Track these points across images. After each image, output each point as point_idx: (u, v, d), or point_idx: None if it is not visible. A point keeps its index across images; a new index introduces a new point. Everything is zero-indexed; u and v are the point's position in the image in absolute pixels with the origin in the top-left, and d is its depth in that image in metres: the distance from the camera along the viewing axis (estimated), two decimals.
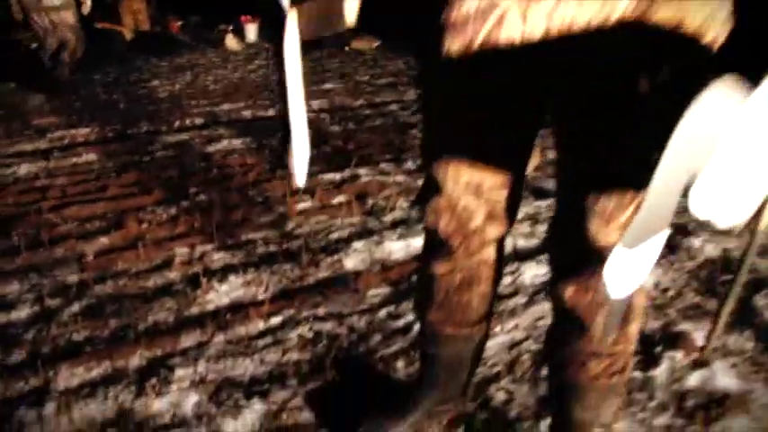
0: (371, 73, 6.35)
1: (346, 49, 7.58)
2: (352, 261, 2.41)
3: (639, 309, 1.20)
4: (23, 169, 3.62)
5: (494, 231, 1.23)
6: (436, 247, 1.29)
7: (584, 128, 0.99)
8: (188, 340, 1.94)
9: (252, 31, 8.11)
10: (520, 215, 2.84)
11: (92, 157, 3.83)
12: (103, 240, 2.63)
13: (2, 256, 2.50)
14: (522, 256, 2.39)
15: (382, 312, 2.07)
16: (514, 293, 2.16)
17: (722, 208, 0.70)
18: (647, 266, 0.88)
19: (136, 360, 1.85)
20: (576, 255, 1.12)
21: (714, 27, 0.89)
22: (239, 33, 7.99)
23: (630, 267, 0.87)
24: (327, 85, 5.89)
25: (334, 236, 2.61)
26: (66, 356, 1.88)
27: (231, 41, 7.76)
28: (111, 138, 4.25)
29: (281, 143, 3.95)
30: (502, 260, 1.35)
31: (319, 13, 1.04)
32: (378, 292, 2.19)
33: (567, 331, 1.23)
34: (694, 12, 0.87)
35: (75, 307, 2.15)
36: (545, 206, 2.82)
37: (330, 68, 6.69)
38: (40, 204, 3.04)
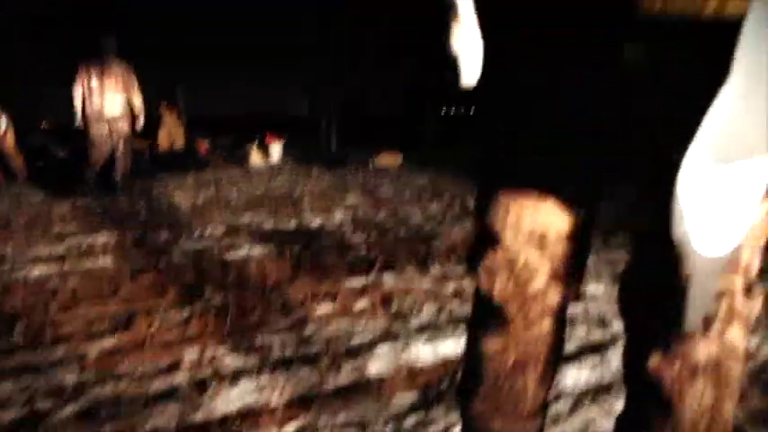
0: (395, 188, 6.33)
1: (370, 166, 7.62)
2: (375, 366, 2.19)
3: (735, 382, 0.97)
4: (36, 271, 3.50)
5: (557, 296, 1.04)
6: (488, 316, 1.09)
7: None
8: None
9: (276, 150, 8.25)
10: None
11: (107, 261, 3.71)
12: (108, 341, 2.45)
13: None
14: (565, 356, 2.16)
15: (410, 420, 1.82)
16: (556, 398, 1.91)
17: None
18: (747, 211, 0.68)
19: None
20: (658, 313, 0.93)
21: None
22: (264, 151, 8.12)
23: (719, 207, 0.67)
24: (350, 200, 5.85)
25: (357, 340, 2.40)
26: None
27: (255, 158, 7.87)
28: (129, 245, 4.15)
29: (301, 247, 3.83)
30: (563, 337, 1.15)
31: None
32: (404, 399, 1.95)
33: (644, 420, 1.01)
34: None
35: (69, 410, 1.93)
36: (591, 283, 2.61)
37: (354, 184, 6.69)
38: (48, 304, 2.89)
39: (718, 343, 0.95)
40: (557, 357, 1.15)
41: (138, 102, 6.47)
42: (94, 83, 6.19)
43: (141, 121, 6.56)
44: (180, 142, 9.04)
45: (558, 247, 0.98)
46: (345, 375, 2.12)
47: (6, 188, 7.16)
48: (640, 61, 0.81)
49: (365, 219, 4.91)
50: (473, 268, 1.08)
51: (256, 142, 8.13)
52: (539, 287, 1.02)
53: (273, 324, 2.59)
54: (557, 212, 0.96)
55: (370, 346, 2.34)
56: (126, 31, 6.95)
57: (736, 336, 0.95)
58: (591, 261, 3.30)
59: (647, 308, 0.97)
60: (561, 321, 1.11)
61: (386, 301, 2.84)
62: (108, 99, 6.24)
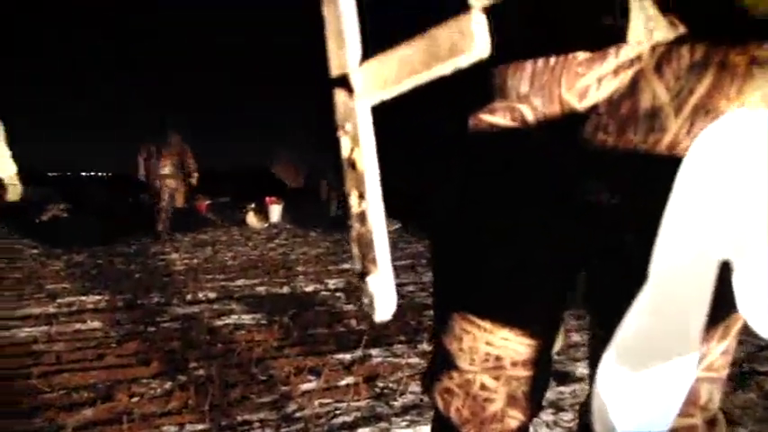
0: (391, 254, 6.34)
1: None
2: None
3: None
4: (23, 333, 3.49)
5: (515, 419, 1.03)
6: None
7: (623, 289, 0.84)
8: None
9: (276, 212, 8.30)
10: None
11: (96, 324, 3.70)
12: (87, 413, 2.42)
13: None
14: None
15: None
16: None
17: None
18: (668, 410, 0.65)
19: None
20: None
21: None
22: (262, 213, 8.17)
23: (633, 398, 0.65)
24: (345, 265, 5.85)
25: (339, 420, 2.37)
26: None
27: (252, 219, 7.92)
28: (120, 306, 4.14)
29: (290, 318, 3.81)
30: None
31: None
32: None
33: None
34: None
35: None
36: (569, 392, 2.58)
37: (349, 249, 6.71)
38: (31, 370, 2.87)
39: (700, 413, 0.92)
40: None
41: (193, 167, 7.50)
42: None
43: (195, 180, 7.53)
44: (181, 200, 9.11)
45: (514, 371, 0.99)
46: None
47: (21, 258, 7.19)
48: None
49: (359, 286, 4.90)
50: (428, 389, 1.08)
51: (254, 204, 8.19)
52: (496, 409, 1.01)
53: (256, 400, 2.56)
54: (513, 338, 0.96)
55: (351, 428, 2.31)
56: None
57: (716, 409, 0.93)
58: (582, 338, 3.28)
59: None
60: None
61: (371, 378, 2.82)
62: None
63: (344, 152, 0.54)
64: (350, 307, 4.21)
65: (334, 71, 0.54)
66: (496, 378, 0.99)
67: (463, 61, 0.42)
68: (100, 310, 4.06)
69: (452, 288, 1.02)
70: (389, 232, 7.66)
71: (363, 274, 0.57)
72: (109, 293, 4.50)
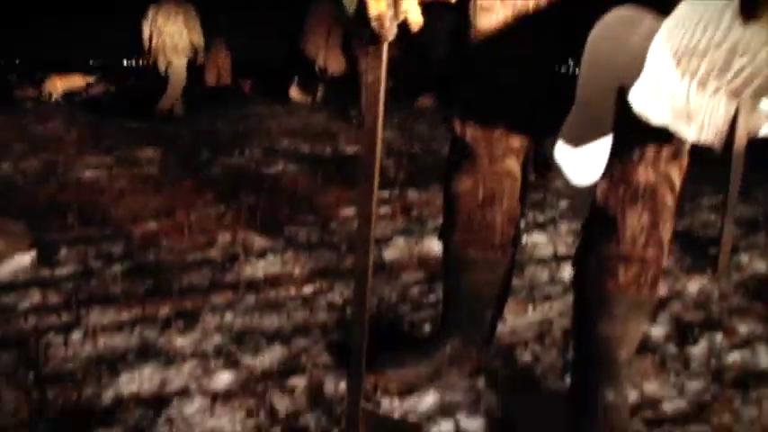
0: (432, 126, 6.47)
1: (410, 107, 7.75)
2: (390, 253, 2.40)
3: (668, 209, 1.17)
4: (87, 174, 3.79)
5: (516, 140, 1.26)
6: (460, 158, 1.31)
7: None
8: (219, 299, 1.95)
9: (318, 88, 8.40)
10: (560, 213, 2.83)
11: (151, 170, 3.98)
12: (152, 225, 2.70)
13: (55, 230, 2.59)
14: (562, 257, 2.34)
15: (414, 290, 2.04)
16: (551, 283, 2.10)
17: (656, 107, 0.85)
18: (599, 161, 1.07)
19: (166, 310, 1.86)
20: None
21: None
22: (306, 88, 8.28)
23: (582, 159, 1.06)
24: (387, 135, 6.01)
25: (376, 234, 2.61)
26: (100, 302, 1.91)
27: (295, 92, 8.05)
28: (173, 159, 4.41)
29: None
30: (526, 179, 1.35)
31: None
32: (413, 276, 2.16)
33: (597, 235, 1.21)
34: None
35: (116, 268, 2.19)
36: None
37: (391, 123, 6.84)
38: (98, 199, 3.17)
39: (655, 172, 1.13)
40: (522, 196, 1.35)
41: (198, 39, 7.08)
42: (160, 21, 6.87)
43: (201, 57, 7.27)
44: (226, 79, 9.29)
45: (515, 99, 1.24)
46: None
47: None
48: None
49: (398, 150, 5.09)
50: (448, 119, 1.32)
51: (297, 79, 8.29)
52: (501, 131, 1.25)
53: (301, 220, 2.81)
54: (515, 65, 1.18)
55: (387, 240, 2.54)
56: None
57: (671, 168, 1.14)
58: None
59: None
60: (522, 165, 1.32)
61: (407, 208, 3.04)
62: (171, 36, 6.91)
63: None
64: (387, 163, 4.40)
65: None
66: (501, 106, 1.23)
67: None
68: (154, 161, 4.34)
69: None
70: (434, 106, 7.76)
71: None
72: (161, 150, 4.76)
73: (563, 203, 3.11)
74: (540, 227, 2.75)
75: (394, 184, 3.53)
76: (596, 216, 1.22)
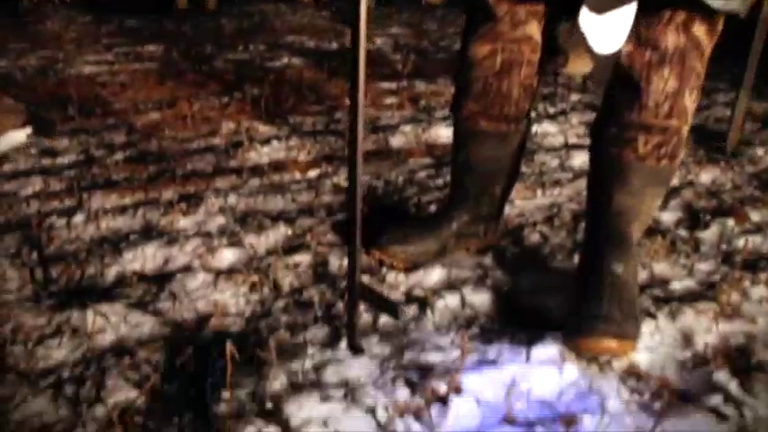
0: (440, 22, 6.26)
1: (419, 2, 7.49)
2: (398, 140, 2.34)
3: (697, 76, 1.10)
4: (87, 69, 3.69)
5: (540, 2, 1.17)
6: (479, 21, 1.22)
7: None
8: (223, 182, 1.92)
9: None
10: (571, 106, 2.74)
11: (153, 65, 3.88)
12: (154, 115, 2.65)
13: (56, 122, 2.54)
14: (573, 146, 2.28)
15: (421, 174, 2.00)
16: (561, 170, 2.05)
17: None
18: (624, 28, 1.06)
19: (169, 193, 1.84)
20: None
21: None
22: None
23: (606, 26, 1.07)
24: (393, 30, 5.83)
25: (384, 122, 2.55)
26: (102, 187, 1.88)
27: None
28: (175, 54, 4.29)
29: None
30: (545, 49, 1.27)
31: None
32: (420, 162, 2.12)
33: (618, 102, 1.14)
34: None
35: (119, 156, 2.16)
36: None
37: (399, 20, 6.62)
38: (99, 92, 3.09)
39: (685, 36, 1.05)
40: (539, 66, 1.27)
41: None
42: None
43: None
44: None
45: None
46: (369, 144, 2.29)
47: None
48: None
49: (406, 44, 4.93)
50: None
51: None
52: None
53: (306, 109, 2.74)
54: None
55: (395, 127, 2.48)
56: None
57: (701, 32, 1.06)
58: None
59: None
60: (542, 33, 1.23)
61: (414, 99, 2.96)
62: None
63: None
64: (396, 56, 4.28)
65: None
66: None
67: None
68: (156, 56, 4.23)
69: None
70: (443, 3, 7.50)
71: None
72: (163, 46, 4.63)
73: (574, 97, 3.02)
74: (551, 117, 2.67)
75: (401, 76, 3.43)
76: (619, 81, 1.14)
